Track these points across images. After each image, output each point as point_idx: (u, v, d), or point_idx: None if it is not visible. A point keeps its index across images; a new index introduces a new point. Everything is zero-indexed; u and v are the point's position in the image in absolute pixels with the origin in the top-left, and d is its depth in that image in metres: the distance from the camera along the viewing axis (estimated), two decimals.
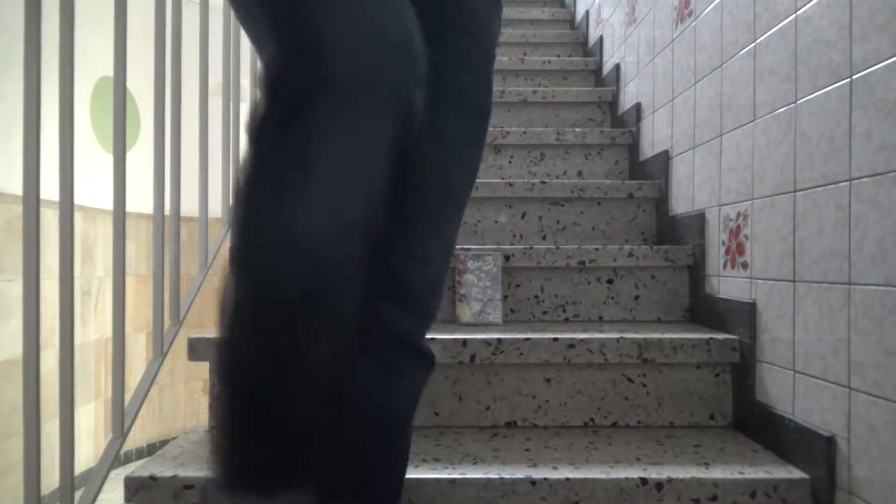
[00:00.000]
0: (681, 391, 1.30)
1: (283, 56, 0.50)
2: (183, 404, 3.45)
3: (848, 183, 0.95)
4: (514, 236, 1.82)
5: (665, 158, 1.74)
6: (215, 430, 0.49)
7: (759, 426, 1.19)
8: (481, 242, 1.81)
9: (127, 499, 1.00)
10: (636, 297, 1.60)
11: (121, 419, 1.13)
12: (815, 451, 1.00)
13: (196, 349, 1.22)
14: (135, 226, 3.12)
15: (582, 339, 1.27)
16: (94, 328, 2.83)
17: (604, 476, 1.02)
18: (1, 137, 1.90)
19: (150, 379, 1.21)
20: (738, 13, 1.31)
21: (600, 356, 1.27)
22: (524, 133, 2.06)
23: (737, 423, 1.28)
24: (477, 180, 1.81)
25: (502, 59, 2.65)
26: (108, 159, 2.66)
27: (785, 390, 1.12)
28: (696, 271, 1.53)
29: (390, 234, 0.68)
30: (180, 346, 3.20)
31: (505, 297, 1.59)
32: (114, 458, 1.09)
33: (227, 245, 1.86)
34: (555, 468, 1.05)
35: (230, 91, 1.61)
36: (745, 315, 1.25)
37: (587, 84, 2.60)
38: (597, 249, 1.57)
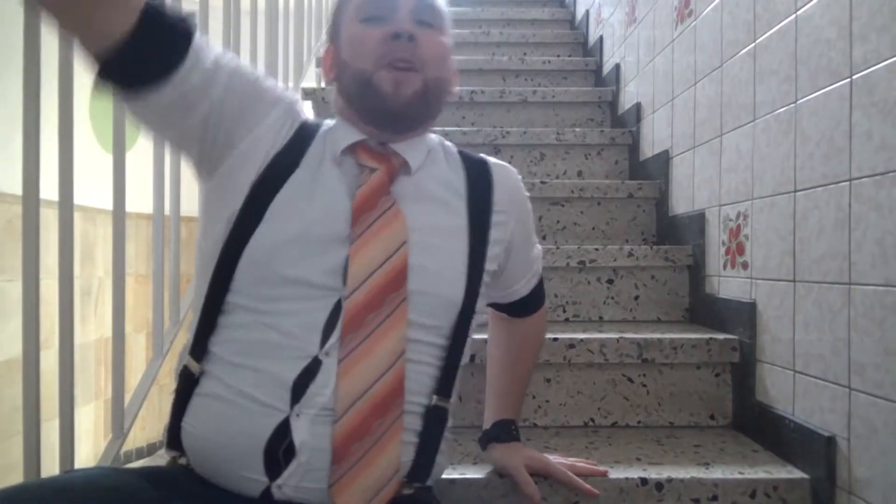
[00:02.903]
0: (681, 391, 1.30)
1: None
2: None
3: (848, 183, 0.95)
4: None
5: (665, 158, 1.74)
6: None
7: (759, 426, 1.19)
8: None
9: None
10: (636, 297, 1.60)
11: (121, 419, 1.12)
12: (815, 451, 1.00)
13: None
14: (135, 226, 3.12)
15: (582, 339, 1.27)
16: (94, 328, 2.83)
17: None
18: (1, 137, 1.90)
19: (150, 379, 1.21)
20: (738, 13, 1.31)
21: (600, 356, 1.27)
22: (524, 133, 2.06)
23: (737, 423, 1.28)
24: None
25: (502, 58, 2.65)
26: (108, 159, 2.65)
27: (785, 390, 1.12)
28: (697, 271, 1.53)
29: None
30: (180, 347, 3.20)
31: None
32: (114, 458, 1.09)
33: None
34: None
35: None
36: (745, 315, 1.25)
37: (587, 84, 2.60)
38: (597, 249, 1.57)
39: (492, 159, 0.92)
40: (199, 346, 0.75)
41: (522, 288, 0.96)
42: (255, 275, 0.73)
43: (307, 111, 2.39)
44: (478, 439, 1.04)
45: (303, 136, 0.80)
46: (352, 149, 0.80)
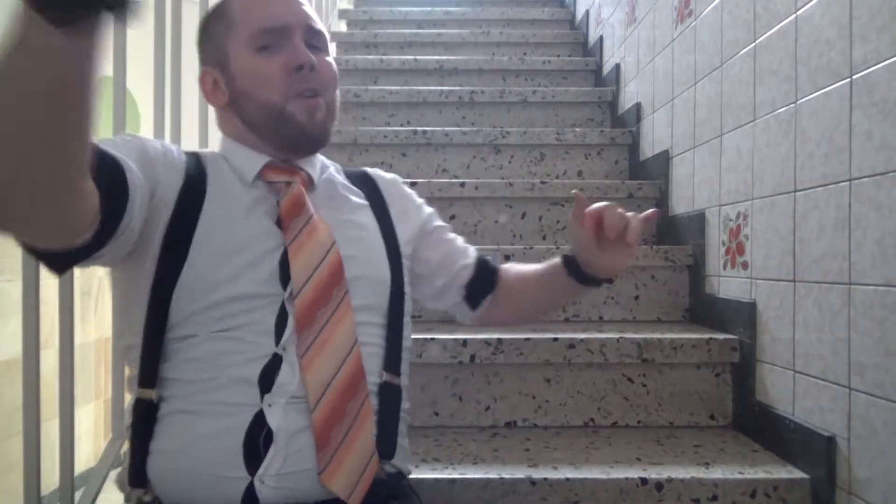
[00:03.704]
0: (681, 391, 1.30)
1: None
2: None
3: (848, 183, 0.95)
4: (514, 236, 1.82)
5: (665, 158, 1.74)
6: None
7: (759, 426, 1.19)
8: (481, 242, 1.81)
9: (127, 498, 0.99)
10: (636, 297, 1.60)
11: (121, 419, 1.13)
12: (815, 451, 1.00)
13: None
14: None
15: (582, 339, 1.27)
16: (93, 328, 2.83)
17: (604, 476, 1.02)
18: None
19: None
20: (738, 13, 1.31)
21: (600, 356, 1.27)
22: (524, 133, 2.06)
23: (737, 423, 1.28)
24: (477, 180, 1.81)
25: (502, 59, 2.65)
26: None
27: (785, 390, 1.12)
28: (696, 271, 1.53)
29: None
30: None
31: None
32: (114, 458, 1.09)
33: None
34: (555, 468, 1.05)
35: None
36: (745, 315, 1.25)
37: (587, 84, 2.60)
38: None
39: (370, 169, 1.00)
40: (150, 377, 0.75)
41: (469, 258, 1.00)
42: (194, 307, 0.75)
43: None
44: (571, 274, 0.96)
45: (196, 170, 0.83)
46: (260, 171, 0.85)
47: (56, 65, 0.45)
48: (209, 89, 0.87)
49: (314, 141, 0.86)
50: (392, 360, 0.84)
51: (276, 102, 0.81)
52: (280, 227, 0.80)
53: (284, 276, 0.78)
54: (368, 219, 0.90)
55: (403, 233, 0.92)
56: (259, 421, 0.72)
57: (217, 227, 0.79)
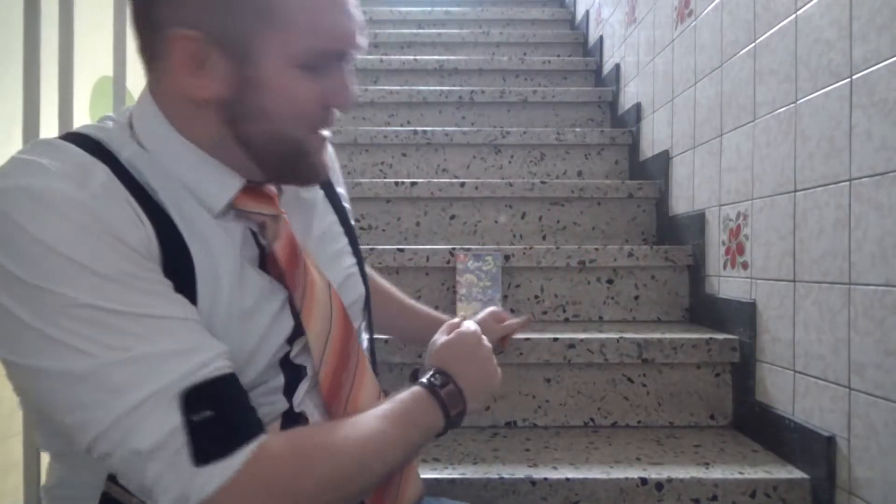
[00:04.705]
0: (681, 391, 1.30)
1: None
2: None
3: (848, 183, 0.95)
4: (514, 236, 1.82)
5: (665, 158, 1.74)
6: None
7: (759, 426, 1.19)
8: (481, 242, 1.81)
9: None
10: (636, 297, 1.60)
11: None
12: (815, 451, 1.00)
13: None
14: None
15: (582, 339, 1.27)
16: None
17: (604, 476, 1.02)
18: (1, 137, 1.90)
19: None
20: (738, 13, 1.31)
21: (600, 356, 1.27)
22: (524, 133, 2.06)
23: (737, 423, 1.28)
24: (477, 180, 1.82)
25: (502, 59, 2.65)
26: None
27: (785, 390, 1.12)
28: (696, 271, 1.53)
29: None
30: None
31: (505, 296, 1.59)
32: None
33: None
34: (555, 468, 1.05)
35: None
36: (745, 315, 1.25)
37: (587, 84, 2.60)
38: (597, 249, 1.57)
39: None
40: None
41: None
42: None
43: None
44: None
45: (157, 210, 0.59)
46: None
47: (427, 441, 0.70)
48: (190, 64, 0.59)
49: (316, 180, 0.72)
50: (374, 365, 0.82)
51: (300, 137, 0.64)
52: (278, 279, 0.65)
53: (294, 336, 0.66)
54: (333, 220, 0.79)
55: (350, 217, 0.84)
56: None
57: (217, 303, 0.61)
